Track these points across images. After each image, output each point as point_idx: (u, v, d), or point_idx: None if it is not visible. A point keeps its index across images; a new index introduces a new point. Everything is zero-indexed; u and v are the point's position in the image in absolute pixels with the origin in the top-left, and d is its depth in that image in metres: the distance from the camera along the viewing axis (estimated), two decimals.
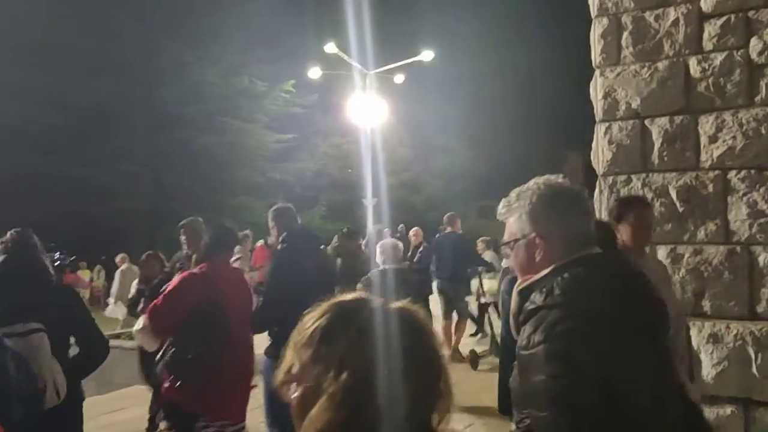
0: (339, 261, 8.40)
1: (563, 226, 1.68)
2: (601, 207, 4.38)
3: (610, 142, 4.32)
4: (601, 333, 1.49)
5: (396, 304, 1.22)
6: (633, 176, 4.26)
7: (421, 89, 29.60)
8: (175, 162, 23.80)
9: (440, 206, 34.18)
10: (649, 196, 4.19)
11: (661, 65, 4.18)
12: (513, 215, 1.75)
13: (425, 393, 1.14)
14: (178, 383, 3.64)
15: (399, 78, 26.11)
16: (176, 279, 3.99)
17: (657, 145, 4.17)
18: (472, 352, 8.18)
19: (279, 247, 5.36)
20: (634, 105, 4.24)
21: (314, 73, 25.65)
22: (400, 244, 5.42)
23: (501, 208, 1.80)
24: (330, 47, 23.71)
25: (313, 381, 1.14)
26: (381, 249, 5.19)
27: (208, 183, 24.46)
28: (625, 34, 4.30)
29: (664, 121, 4.15)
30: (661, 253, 4.14)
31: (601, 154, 4.37)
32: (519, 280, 1.76)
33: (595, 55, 4.41)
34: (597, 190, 4.42)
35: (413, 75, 27.10)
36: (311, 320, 1.19)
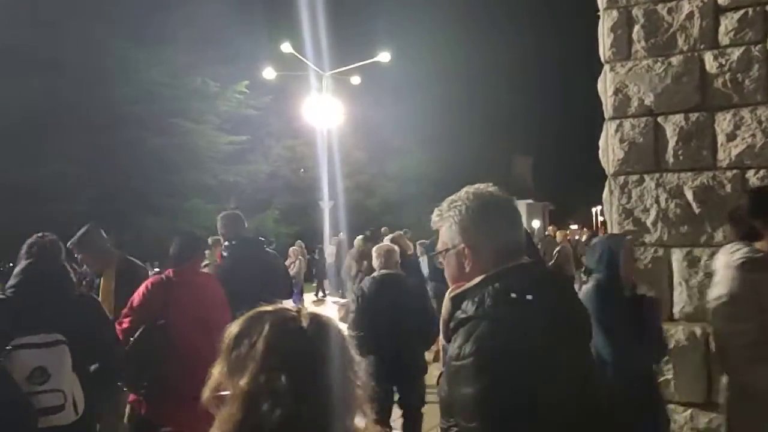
0: (365, 264, 8.53)
1: (492, 236, 1.69)
2: (612, 208, 4.19)
3: (621, 140, 4.13)
4: (530, 346, 1.50)
5: (310, 312, 1.24)
6: (646, 176, 4.08)
7: (378, 91, 29.45)
8: (122, 164, 22.77)
9: (395, 209, 34.10)
10: (663, 196, 4.01)
11: (675, 60, 4.00)
12: (444, 224, 1.76)
13: (338, 398, 1.15)
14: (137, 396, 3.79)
15: (355, 79, 25.85)
16: (143, 284, 4.00)
17: (672, 144, 4.00)
18: None
19: (224, 255, 5.43)
20: (647, 101, 4.06)
21: (268, 73, 25.17)
22: (397, 248, 5.12)
23: (434, 216, 1.80)
24: (286, 47, 23.31)
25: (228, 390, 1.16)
26: (376, 253, 4.88)
27: (157, 186, 23.60)
28: (637, 28, 4.12)
29: (678, 118, 3.98)
30: (677, 255, 3.97)
31: (611, 152, 4.18)
32: (450, 288, 1.75)
33: (604, 49, 4.22)
34: (606, 191, 4.23)
35: (369, 77, 26.88)
36: (227, 332, 1.23)
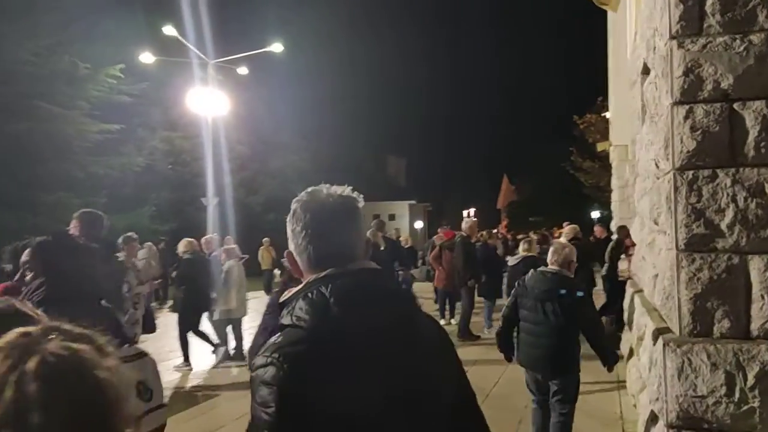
0: None
1: (319, 240, 1.62)
2: (677, 207, 3.60)
3: (693, 129, 3.54)
4: (327, 360, 1.41)
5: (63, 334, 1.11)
6: (719, 171, 3.52)
7: (264, 83, 28.18)
8: None
9: (279, 208, 32.87)
10: (742, 195, 3.47)
11: (755, 38, 3.47)
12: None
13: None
14: None
15: (243, 70, 24.48)
16: None
17: (753, 134, 3.46)
18: None
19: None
20: (723, 84, 3.50)
21: (146, 58, 23.23)
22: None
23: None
24: (168, 30, 21.52)
25: None
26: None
27: (17, 176, 20.91)
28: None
29: (760, 105, 3.45)
30: (757, 264, 3.43)
31: (678, 143, 3.58)
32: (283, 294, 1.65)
33: (671, 22, 3.62)
34: (669, 187, 3.63)
35: (257, 68, 25.58)
36: None
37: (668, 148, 3.64)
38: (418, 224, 40.67)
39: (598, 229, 12.27)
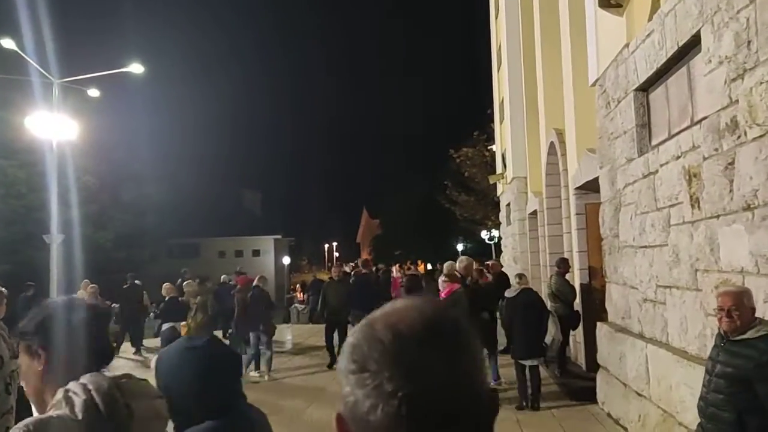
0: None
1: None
2: None
3: None
4: None
5: None
6: None
7: (117, 108, 25.59)
8: None
9: (131, 244, 29.92)
10: None
11: None
12: None
13: None
14: None
15: (93, 92, 21.91)
16: None
17: None
18: None
19: None
20: None
21: None
22: None
23: None
24: (7, 42, 18.77)
25: None
26: None
27: None
28: None
29: None
30: None
31: None
32: None
33: None
34: None
35: (112, 93, 23.10)
36: None
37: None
38: (286, 260, 38.79)
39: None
